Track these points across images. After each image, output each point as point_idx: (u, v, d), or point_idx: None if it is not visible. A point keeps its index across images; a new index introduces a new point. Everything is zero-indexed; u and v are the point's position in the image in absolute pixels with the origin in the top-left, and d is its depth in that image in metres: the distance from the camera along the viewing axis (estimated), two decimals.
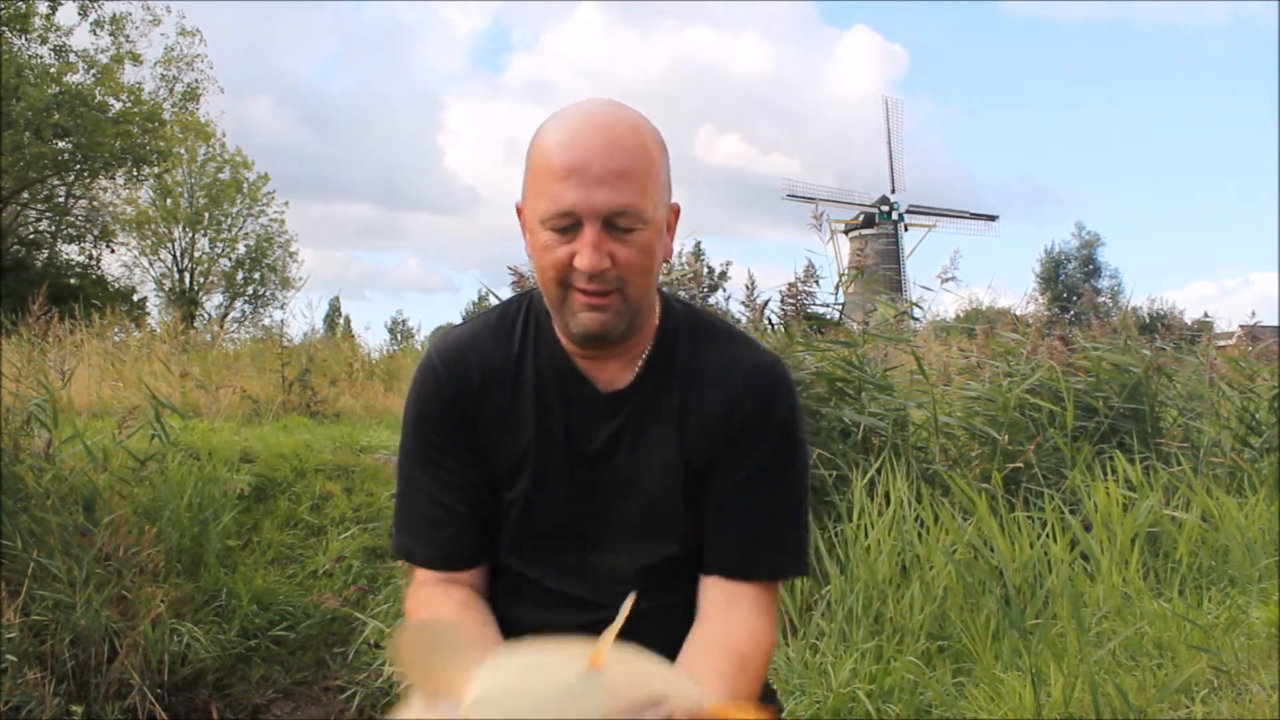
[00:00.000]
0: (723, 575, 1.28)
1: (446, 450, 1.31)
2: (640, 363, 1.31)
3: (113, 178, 24.41)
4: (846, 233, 36.79)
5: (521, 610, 1.32)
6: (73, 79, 22.18)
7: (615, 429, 1.30)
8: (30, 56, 21.64)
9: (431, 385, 1.32)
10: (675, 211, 1.29)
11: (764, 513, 1.29)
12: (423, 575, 1.32)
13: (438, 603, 1.27)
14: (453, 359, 1.32)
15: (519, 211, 1.28)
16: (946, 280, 4.99)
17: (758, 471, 1.29)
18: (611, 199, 1.16)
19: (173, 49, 24.77)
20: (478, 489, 1.31)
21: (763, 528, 1.29)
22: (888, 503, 3.47)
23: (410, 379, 1.36)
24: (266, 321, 26.61)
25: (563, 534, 1.31)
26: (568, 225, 1.17)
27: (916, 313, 6.07)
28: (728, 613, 1.25)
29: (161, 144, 23.60)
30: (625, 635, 0.91)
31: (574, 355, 1.30)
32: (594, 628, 0.94)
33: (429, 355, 1.35)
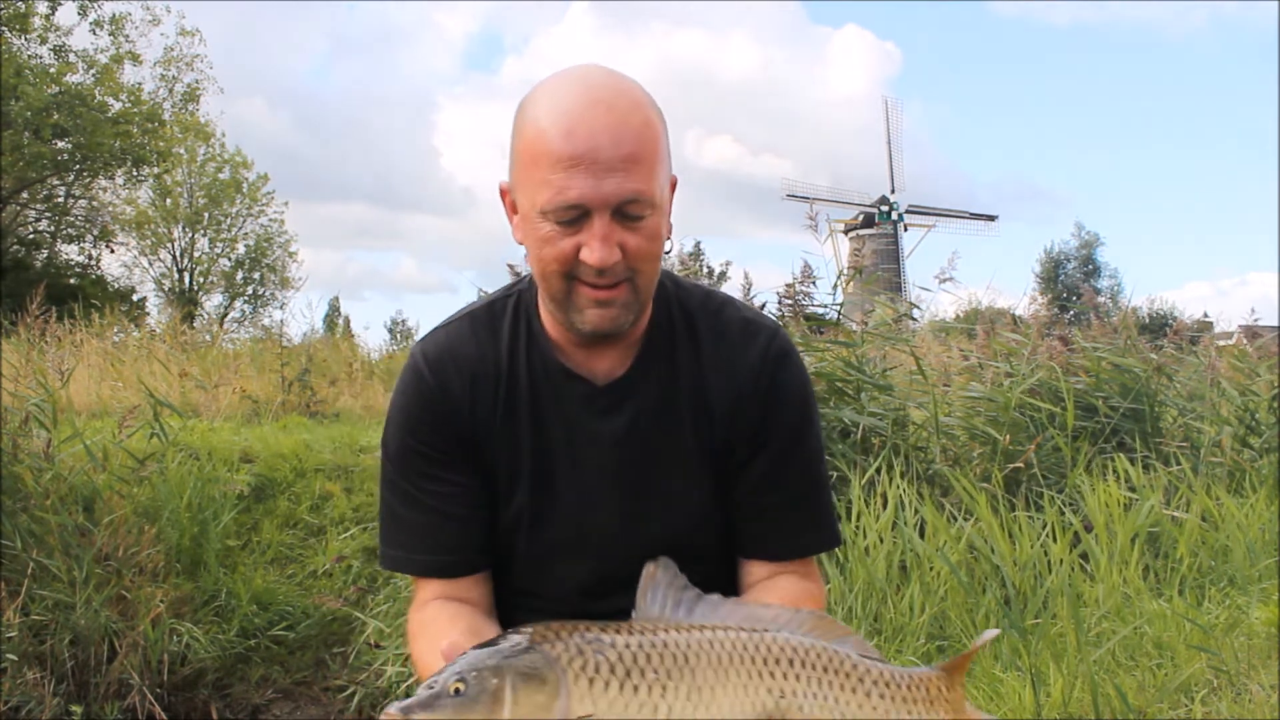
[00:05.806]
0: (765, 559, 1.25)
1: (435, 460, 1.23)
2: (637, 348, 1.24)
3: (112, 178, 24.39)
4: (846, 233, 36.76)
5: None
6: (72, 79, 22.16)
7: (619, 425, 1.23)
8: (30, 56, 21.61)
9: (417, 394, 1.24)
10: (674, 185, 1.21)
11: (794, 494, 1.26)
12: (425, 591, 1.24)
13: (444, 627, 1.16)
14: (439, 363, 1.25)
15: (504, 193, 1.20)
16: (945, 281, 5.01)
17: (781, 455, 1.25)
18: (622, 188, 1.08)
19: (172, 49, 24.79)
20: (474, 492, 1.24)
21: (795, 508, 1.26)
22: (886, 503, 3.47)
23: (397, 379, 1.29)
24: (266, 321, 26.66)
25: (573, 546, 1.24)
26: (574, 218, 1.09)
27: (915, 313, 6.08)
28: (775, 588, 1.23)
29: (161, 144, 23.57)
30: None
31: (567, 347, 1.23)
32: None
33: (414, 359, 1.27)
